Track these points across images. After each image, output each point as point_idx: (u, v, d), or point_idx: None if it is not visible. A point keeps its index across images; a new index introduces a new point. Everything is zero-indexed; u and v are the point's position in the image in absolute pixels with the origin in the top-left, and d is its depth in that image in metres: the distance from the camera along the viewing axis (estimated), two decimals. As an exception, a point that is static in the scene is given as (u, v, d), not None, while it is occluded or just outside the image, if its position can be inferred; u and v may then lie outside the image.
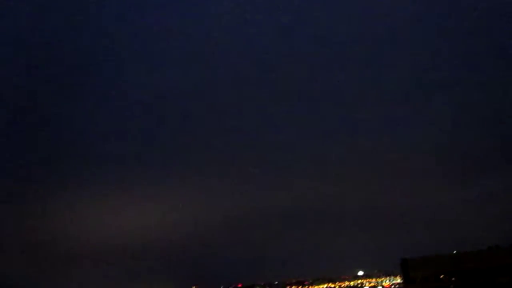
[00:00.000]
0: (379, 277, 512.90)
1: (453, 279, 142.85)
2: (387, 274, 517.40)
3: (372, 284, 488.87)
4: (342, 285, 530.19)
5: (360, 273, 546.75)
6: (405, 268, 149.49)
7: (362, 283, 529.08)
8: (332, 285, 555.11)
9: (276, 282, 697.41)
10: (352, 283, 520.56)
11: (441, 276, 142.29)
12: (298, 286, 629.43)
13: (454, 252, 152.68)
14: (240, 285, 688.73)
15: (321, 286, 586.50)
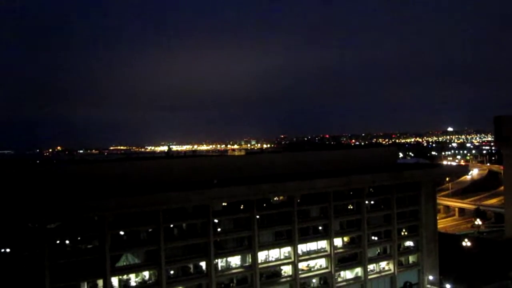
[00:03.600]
0: (469, 134, 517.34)
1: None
2: (478, 131, 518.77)
3: (461, 140, 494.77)
4: (430, 140, 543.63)
5: (450, 129, 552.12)
6: (498, 126, 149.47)
7: (450, 139, 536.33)
8: (420, 139, 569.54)
9: (363, 134, 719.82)
10: (440, 138, 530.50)
11: None
12: (385, 139, 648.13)
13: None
14: (327, 136, 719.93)
15: (408, 140, 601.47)
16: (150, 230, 70.94)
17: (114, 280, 67.91)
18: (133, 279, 70.92)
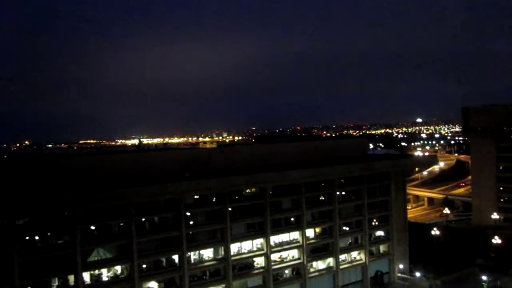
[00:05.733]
0: (437, 124, 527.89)
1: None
2: (446, 122, 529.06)
3: (430, 131, 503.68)
4: (399, 131, 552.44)
5: (418, 120, 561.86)
6: (466, 117, 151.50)
7: (419, 130, 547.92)
8: (389, 131, 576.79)
9: (334, 126, 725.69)
10: (409, 130, 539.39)
11: (504, 128, 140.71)
12: (356, 130, 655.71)
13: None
14: (298, 128, 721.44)
15: (378, 131, 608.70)
16: (121, 224, 70.27)
17: (86, 276, 67.10)
18: (105, 274, 70.28)
